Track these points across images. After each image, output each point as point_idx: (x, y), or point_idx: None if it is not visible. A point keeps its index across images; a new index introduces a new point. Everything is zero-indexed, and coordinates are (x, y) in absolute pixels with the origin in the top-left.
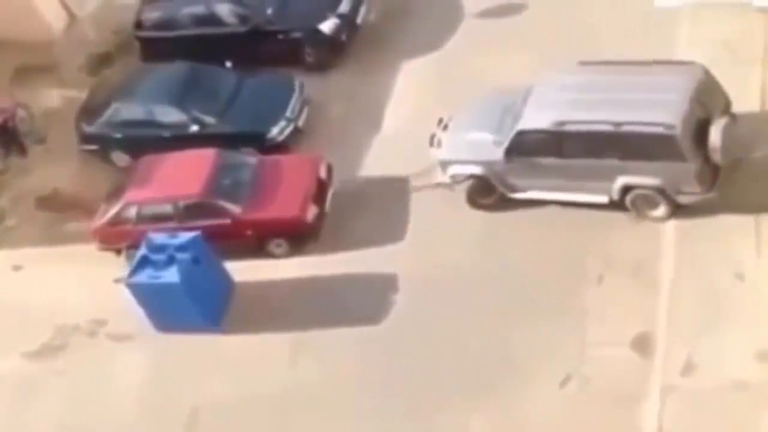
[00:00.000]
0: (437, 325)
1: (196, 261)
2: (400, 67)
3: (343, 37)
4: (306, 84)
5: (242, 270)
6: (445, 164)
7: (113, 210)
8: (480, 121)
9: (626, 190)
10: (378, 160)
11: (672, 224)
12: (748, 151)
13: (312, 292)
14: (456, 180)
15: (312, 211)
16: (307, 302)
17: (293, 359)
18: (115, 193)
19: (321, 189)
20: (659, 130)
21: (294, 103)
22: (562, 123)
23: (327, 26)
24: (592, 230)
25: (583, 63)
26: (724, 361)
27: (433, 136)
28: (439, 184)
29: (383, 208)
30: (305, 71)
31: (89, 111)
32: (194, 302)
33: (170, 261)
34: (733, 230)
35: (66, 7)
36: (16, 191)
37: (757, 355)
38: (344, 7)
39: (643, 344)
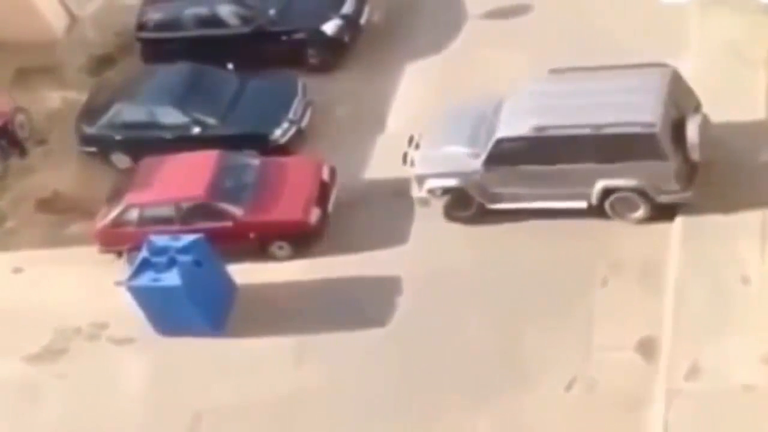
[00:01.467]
0: (441, 327)
1: (197, 264)
2: (404, 68)
3: (346, 38)
4: (309, 85)
5: (244, 273)
6: (420, 179)
7: (115, 212)
8: (452, 133)
9: (606, 193)
10: (381, 162)
11: (677, 227)
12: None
13: (315, 294)
14: (433, 194)
15: (315, 214)
16: (310, 305)
17: (296, 362)
18: (116, 195)
19: (324, 191)
20: (639, 129)
21: (297, 104)
22: (542, 128)
23: (330, 27)
24: (597, 233)
25: (554, 71)
26: (729, 364)
27: (405, 155)
28: (416, 200)
29: (387, 209)
30: (308, 72)
31: (90, 112)
32: (195, 305)
33: (171, 263)
34: (739, 234)
35: (67, 8)
36: (16, 193)
37: (763, 358)
38: (347, 8)
39: (648, 348)
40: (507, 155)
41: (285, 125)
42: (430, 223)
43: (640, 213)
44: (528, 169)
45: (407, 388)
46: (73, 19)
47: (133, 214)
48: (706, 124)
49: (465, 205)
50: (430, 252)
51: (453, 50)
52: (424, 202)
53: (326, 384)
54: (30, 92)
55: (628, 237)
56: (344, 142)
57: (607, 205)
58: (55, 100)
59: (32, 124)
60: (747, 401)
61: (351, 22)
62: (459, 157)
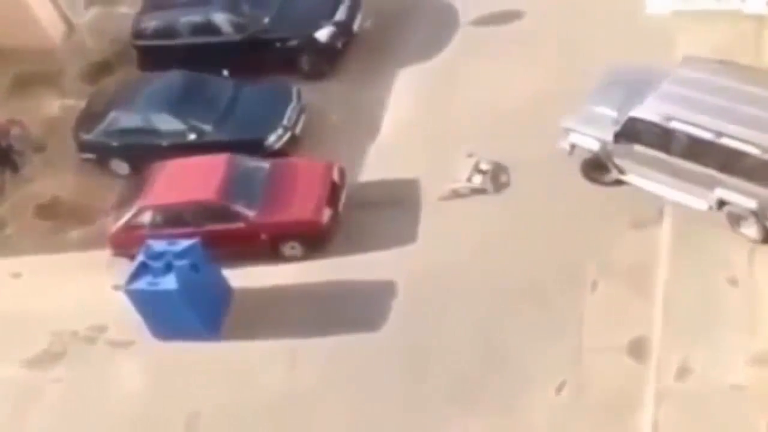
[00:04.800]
0: (434, 331)
1: (194, 268)
2: (397, 74)
3: (339, 45)
4: (303, 91)
5: (240, 276)
6: (567, 131)
7: (127, 215)
8: (608, 94)
9: (722, 202)
10: (375, 167)
11: (666, 230)
12: None
13: (310, 298)
14: (573, 149)
15: (326, 213)
16: (305, 308)
17: (292, 365)
18: (128, 199)
19: (334, 192)
20: (756, 151)
21: (291, 110)
22: (669, 118)
23: (323, 34)
24: (587, 236)
25: (721, 62)
26: (718, 365)
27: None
28: (560, 148)
29: (379, 214)
30: (302, 79)
31: (88, 119)
32: (192, 309)
33: (168, 268)
34: (727, 236)
35: (65, 16)
36: (15, 199)
37: (751, 359)
38: (340, 15)
39: (638, 349)
40: (637, 135)
41: (279, 131)
42: (422, 229)
43: (751, 232)
44: (652, 155)
45: (400, 391)
46: (70, 27)
47: (146, 217)
48: None
49: (601, 168)
50: (423, 256)
51: (445, 56)
52: (568, 153)
53: (321, 387)
54: (28, 99)
55: (618, 239)
56: (337, 147)
57: (725, 212)
58: (53, 107)
59: (29, 134)
60: (735, 401)
61: (344, 29)
62: (604, 121)
